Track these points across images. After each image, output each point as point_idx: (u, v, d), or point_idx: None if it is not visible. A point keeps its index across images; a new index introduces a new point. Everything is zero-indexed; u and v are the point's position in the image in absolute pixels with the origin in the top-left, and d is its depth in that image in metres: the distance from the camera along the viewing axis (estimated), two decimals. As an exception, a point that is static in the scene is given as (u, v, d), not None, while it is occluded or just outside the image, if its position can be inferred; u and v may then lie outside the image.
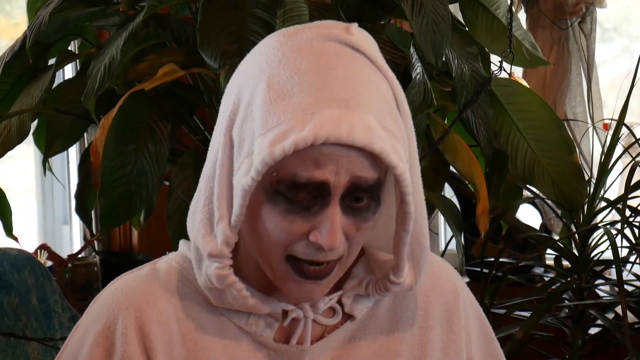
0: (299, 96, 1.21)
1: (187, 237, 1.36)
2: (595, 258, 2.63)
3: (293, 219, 1.23)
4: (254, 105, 1.24)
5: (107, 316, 1.34)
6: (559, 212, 2.66)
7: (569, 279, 2.65)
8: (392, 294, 1.40)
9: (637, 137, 2.71)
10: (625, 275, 2.52)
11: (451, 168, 2.50)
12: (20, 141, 2.27)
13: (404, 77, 2.11)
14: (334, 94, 1.21)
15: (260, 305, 1.31)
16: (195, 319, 1.34)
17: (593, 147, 3.07)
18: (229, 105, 1.28)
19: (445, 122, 2.46)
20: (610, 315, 2.65)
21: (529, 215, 3.31)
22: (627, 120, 2.67)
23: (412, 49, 2.14)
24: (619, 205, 2.54)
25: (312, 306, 1.35)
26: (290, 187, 1.21)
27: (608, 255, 2.53)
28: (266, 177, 1.22)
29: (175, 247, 1.43)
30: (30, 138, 2.35)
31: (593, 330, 2.70)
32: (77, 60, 2.59)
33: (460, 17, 2.56)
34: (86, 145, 2.55)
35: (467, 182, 2.44)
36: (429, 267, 1.41)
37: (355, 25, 1.29)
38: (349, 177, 1.22)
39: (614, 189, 2.78)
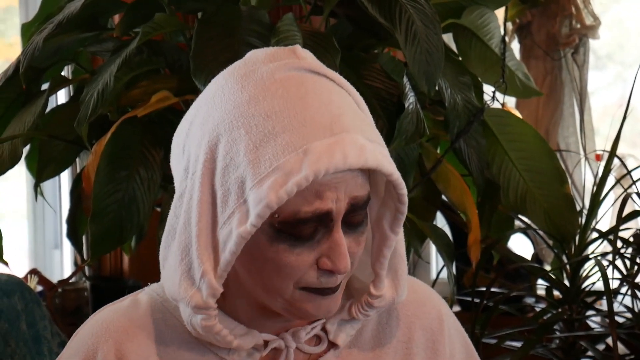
0: (282, 135, 1.21)
1: None
2: (587, 289, 2.63)
3: (300, 251, 1.23)
4: (233, 154, 1.22)
5: (87, 349, 1.33)
6: (551, 242, 2.65)
7: (559, 309, 2.64)
8: (376, 320, 1.40)
9: (629, 169, 2.71)
10: (616, 307, 2.51)
11: (443, 197, 2.50)
12: (12, 166, 2.26)
13: (397, 107, 2.12)
14: (315, 123, 1.22)
15: (243, 343, 1.31)
16: (175, 350, 1.33)
17: (585, 178, 3.07)
18: (196, 152, 1.26)
19: (438, 151, 2.46)
20: (601, 347, 2.64)
21: (520, 245, 3.31)
22: (620, 150, 2.67)
23: (405, 79, 2.15)
24: (611, 237, 2.53)
25: (293, 336, 1.35)
26: (294, 224, 1.22)
27: (599, 286, 2.53)
28: (265, 220, 1.21)
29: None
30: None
31: (583, 362, 2.69)
32: (71, 86, 2.59)
33: (453, 47, 2.56)
34: (78, 171, 2.55)
35: (459, 212, 2.44)
36: (413, 294, 1.42)
37: (298, 46, 1.30)
38: (348, 200, 1.23)
39: (605, 220, 2.78)
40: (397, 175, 1.25)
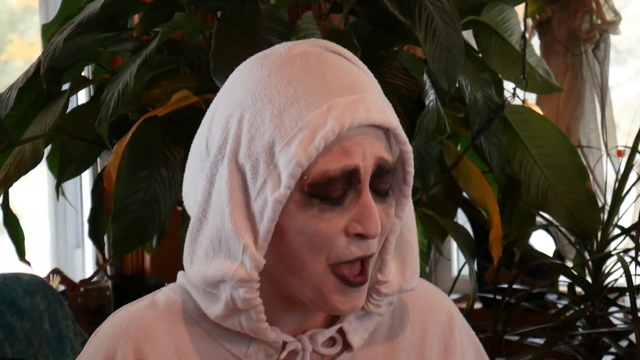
0: (304, 97, 1.24)
1: None
2: (609, 285, 2.62)
3: (330, 217, 1.24)
4: (258, 124, 1.24)
5: (106, 349, 1.33)
6: (573, 239, 2.65)
7: (582, 306, 2.64)
8: (389, 324, 1.41)
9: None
10: (639, 303, 2.50)
11: (464, 194, 2.50)
12: (33, 166, 2.27)
13: (418, 104, 2.12)
14: (336, 84, 1.25)
15: (268, 331, 1.31)
16: (194, 350, 1.33)
17: (607, 174, 3.06)
18: (222, 135, 1.28)
19: (458, 148, 2.46)
20: (624, 343, 2.63)
21: (542, 241, 3.30)
22: (641, 145, 2.66)
23: (425, 76, 2.14)
24: (633, 233, 2.53)
25: (311, 339, 1.35)
26: (324, 185, 1.23)
27: (622, 282, 2.52)
28: (296, 184, 1.23)
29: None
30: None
31: (606, 359, 2.68)
32: (91, 86, 2.59)
33: (473, 44, 2.56)
34: (99, 170, 2.55)
35: (480, 209, 2.43)
36: (425, 299, 1.43)
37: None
38: (374, 160, 1.25)
39: (627, 216, 2.77)
40: (410, 147, 1.29)
